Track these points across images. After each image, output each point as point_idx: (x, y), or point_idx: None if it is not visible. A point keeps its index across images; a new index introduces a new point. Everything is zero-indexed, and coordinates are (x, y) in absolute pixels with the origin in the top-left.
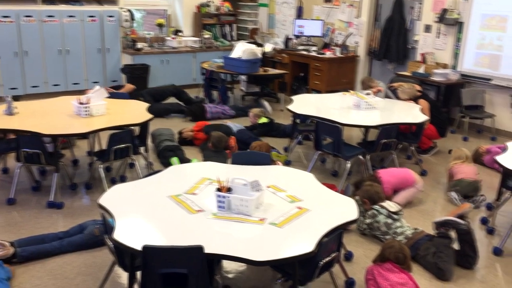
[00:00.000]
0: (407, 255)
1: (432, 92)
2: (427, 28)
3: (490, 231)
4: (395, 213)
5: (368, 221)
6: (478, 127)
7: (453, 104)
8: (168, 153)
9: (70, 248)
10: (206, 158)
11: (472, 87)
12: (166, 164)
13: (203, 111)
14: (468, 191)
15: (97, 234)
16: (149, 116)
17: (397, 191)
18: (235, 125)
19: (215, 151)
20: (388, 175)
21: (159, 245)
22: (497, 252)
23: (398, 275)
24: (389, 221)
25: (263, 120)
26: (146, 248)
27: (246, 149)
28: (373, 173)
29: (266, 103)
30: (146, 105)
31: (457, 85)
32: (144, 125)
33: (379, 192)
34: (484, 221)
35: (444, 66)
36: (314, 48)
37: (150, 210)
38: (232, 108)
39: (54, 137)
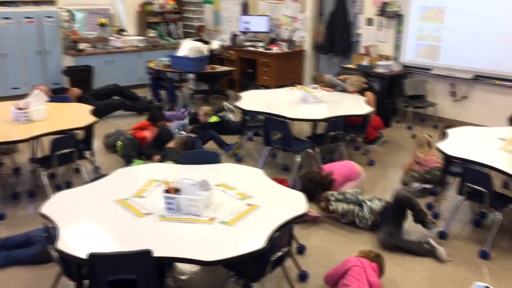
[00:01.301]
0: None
1: (377, 83)
2: (369, 21)
3: (435, 216)
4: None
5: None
6: (421, 116)
7: (396, 94)
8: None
9: (16, 264)
10: (170, 156)
11: (414, 77)
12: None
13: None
14: (437, 178)
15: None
16: (93, 119)
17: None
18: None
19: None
20: (335, 172)
21: (106, 252)
22: (443, 236)
23: (377, 278)
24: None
25: (214, 119)
26: (92, 256)
27: None
28: (319, 169)
29: (229, 105)
30: (90, 107)
31: (400, 76)
32: (88, 129)
33: (327, 177)
34: (429, 206)
35: (387, 58)
36: (261, 44)
37: (96, 216)
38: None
39: None
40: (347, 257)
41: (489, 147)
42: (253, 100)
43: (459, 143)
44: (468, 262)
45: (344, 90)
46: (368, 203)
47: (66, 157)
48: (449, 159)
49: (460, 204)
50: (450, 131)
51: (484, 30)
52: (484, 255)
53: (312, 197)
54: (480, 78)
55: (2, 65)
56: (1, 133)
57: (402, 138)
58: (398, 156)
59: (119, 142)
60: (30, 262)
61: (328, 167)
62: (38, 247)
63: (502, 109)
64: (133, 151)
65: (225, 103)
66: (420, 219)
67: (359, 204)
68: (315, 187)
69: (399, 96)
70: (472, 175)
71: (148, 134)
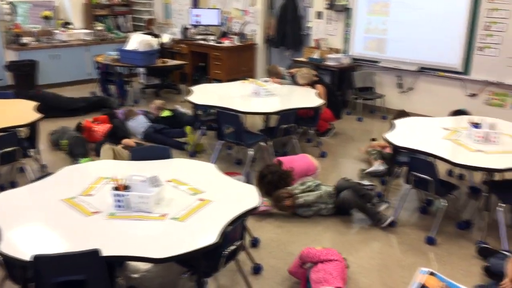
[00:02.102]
0: None
1: (327, 76)
2: (319, 15)
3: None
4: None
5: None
6: (370, 107)
7: (346, 87)
8: (81, 148)
9: None
10: None
11: (362, 70)
12: (76, 157)
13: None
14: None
15: None
16: (38, 115)
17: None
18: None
19: None
20: (295, 169)
21: (51, 253)
22: (392, 223)
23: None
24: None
25: (166, 113)
26: (37, 258)
27: None
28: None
29: (179, 107)
30: (34, 104)
31: (349, 69)
32: (33, 126)
33: (288, 173)
34: (379, 195)
35: (337, 51)
36: (212, 37)
37: (41, 216)
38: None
39: None
40: (328, 248)
41: (434, 137)
42: (205, 94)
43: (406, 134)
44: (415, 248)
45: (296, 83)
46: (324, 187)
47: (9, 156)
48: (396, 149)
49: (407, 193)
50: (397, 122)
51: (428, 23)
52: (430, 241)
53: (273, 190)
54: (424, 70)
55: None
56: None
57: (352, 130)
58: (349, 147)
59: (64, 141)
60: None
61: (287, 162)
62: None
63: (445, 100)
64: (81, 148)
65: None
66: (370, 215)
67: (318, 189)
68: (278, 180)
69: (348, 89)
70: (418, 164)
71: (98, 128)
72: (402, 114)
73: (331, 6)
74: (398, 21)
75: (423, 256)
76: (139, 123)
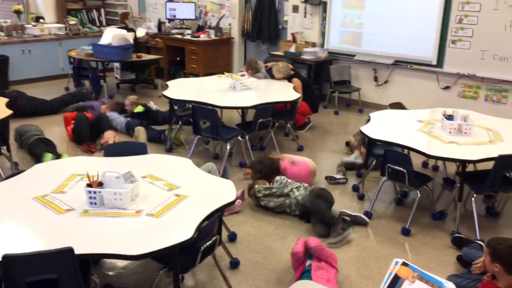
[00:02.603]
0: None
1: (304, 70)
2: (295, 9)
3: (361, 197)
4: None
5: (261, 194)
6: (347, 101)
7: (323, 80)
8: (40, 146)
9: None
10: None
11: (339, 63)
12: (39, 158)
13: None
14: None
15: None
16: (8, 112)
17: None
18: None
19: None
20: (296, 175)
21: (22, 252)
22: (367, 215)
23: None
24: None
25: (139, 109)
26: (6, 257)
27: None
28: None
29: (152, 103)
30: (5, 100)
31: (326, 62)
32: (3, 122)
33: (275, 162)
34: (355, 188)
35: (313, 44)
36: (188, 31)
37: (12, 215)
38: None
39: None
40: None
41: (408, 129)
42: (182, 88)
43: (381, 126)
44: (391, 239)
45: (273, 77)
46: (296, 192)
47: None
48: (371, 142)
49: (383, 185)
50: (373, 114)
51: (402, 17)
52: (405, 232)
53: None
54: (399, 63)
55: None
56: None
57: (329, 123)
58: (326, 141)
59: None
60: None
61: (291, 170)
62: None
63: (420, 93)
64: (42, 150)
65: (150, 102)
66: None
67: (287, 194)
68: (261, 169)
69: (325, 82)
70: (393, 157)
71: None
72: (398, 106)
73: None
74: (373, 15)
75: (399, 247)
76: (118, 117)
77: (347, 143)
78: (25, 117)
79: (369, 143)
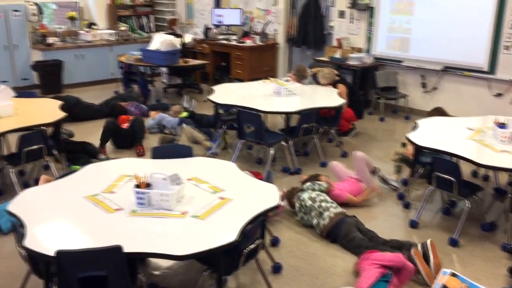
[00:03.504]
0: None
1: (349, 76)
2: (341, 14)
3: (407, 206)
4: (320, 185)
5: (297, 204)
6: (393, 107)
7: (369, 86)
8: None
9: None
10: None
11: (385, 69)
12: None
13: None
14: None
15: None
16: (62, 114)
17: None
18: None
19: None
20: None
21: (74, 249)
22: (414, 224)
23: None
24: (313, 194)
25: (183, 114)
26: (60, 253)
27: None
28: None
29: (186, 97)
30: (59, 103)
31: (372, 68)
32: (57, 125)
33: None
34: (400, 196)
35: (359, 50)
36: (234, 37)
37: (65, 213)
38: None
39: None
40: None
41: (458, 137)
42: (227, 93)
43: (429, 134)
44: (438, 249)
45: (318, 83)
46: (326, 213)
47: (34, 153)
48: (419, 149)
49: (430, 193)
50: (420, 121)
51: (453, 22)
52: (453, 243)
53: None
54: (449, 70)
55: None
56: None
57: (374, 130)
58: (371, 148)
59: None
60: None
61: (343, 192)
62: None
63: (470, 100)
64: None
65: (185, 96)
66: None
67: (320, 215)
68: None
69: (371, 88)
70: (441, 165)
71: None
72: (437, 112)
73: (354, 5)
74: (423, 20)
75: (446, 257)
76: (170, 120)
77: (403, 144)
78: (74, 121)
79: (416, 150)
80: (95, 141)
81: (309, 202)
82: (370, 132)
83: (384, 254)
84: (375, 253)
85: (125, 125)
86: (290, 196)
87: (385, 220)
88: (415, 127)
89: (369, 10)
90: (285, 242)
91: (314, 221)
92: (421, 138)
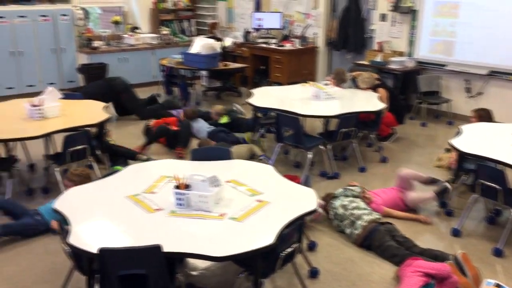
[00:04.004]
0: None
1: (390, 80)
2: (383, 17)
3: (449, 213)
4: (352, 190)
5: (331, 212)
6: (435, 112)
7: (410, 91)
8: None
9: (8, 232)
10: None
11: (428, 73)
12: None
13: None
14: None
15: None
16: (106, 115)
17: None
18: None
19: None
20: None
21: (116, 247)
22: (456, 233)
23: None
24: (345, 201)
25: (224, 120)
26: (103, 250)
27: None
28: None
29: (238, 106)
30: (103, 104)
31: (414, 72)
32: (101, 126)
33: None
34: (443, 204)
35: (401, 54)
36: (273, 40)
37: (107, 211)
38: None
39: (5, 142)
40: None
41: (504, 144)
42: (265, 96)
43: (473, 140)
44: (481, 259)
45: (357, 87)
46: (358, 223)
47: (78, 154)
48: (462, 156)
49: (473, 201)
50: (464, 127)
51: (499, 25)
52: (497, 253)
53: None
54: (495, 74)
55: (18, 63)
56: (16, 129)
57: (415, 135)
58: (411, 153)
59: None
60: (18, 232)
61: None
62: (28, 219)
63: None
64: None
65: (234, 104)
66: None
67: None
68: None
69: (412, 93)
70: (486, 172)
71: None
72: (484, 113)
73: (396, 8)
74: (468, 23)
75: (489, 268)
76: (202, 125)
77: (448, 150)
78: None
79: (460, 157)
80: (131, 142)
81: (341, 210)
82: (411, 138)
83: (429, 262)
84: (419, 260)
85: (174, 128)
86: (325, 202)
87: (426, 228)
88: (458, 133)
89: (412, 13)
90: (322, 247)
91: (347, 231)
92: (465, 144)
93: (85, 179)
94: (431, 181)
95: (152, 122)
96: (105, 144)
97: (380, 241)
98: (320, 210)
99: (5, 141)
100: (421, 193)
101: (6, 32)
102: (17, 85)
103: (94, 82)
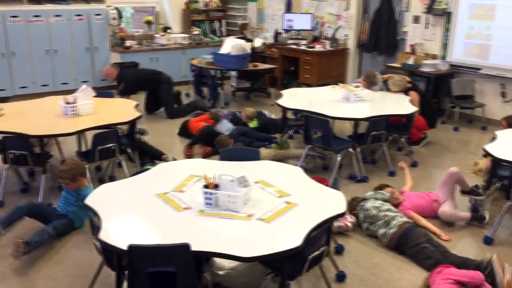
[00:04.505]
0: None
1: (422, 83)
2: (416, 19)
3: (481, 220)
4: (382, 194)
5: (361, 215)
6: (468, 117)
7: (443, 94)
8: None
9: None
10: None
11: (461, 77)
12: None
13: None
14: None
15: None
16: (137, 114)
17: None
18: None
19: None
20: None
21: (145, 244)
22: (488, 241)
23: None
24: (377, 203)
25: (254, 124)
26: (132, 247)
27: None
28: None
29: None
30: (134, 103)
31: (447, 76)
32: (132, 124)
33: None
34: (474, 210)
35: (433, 56)
36: (303, 42)
37: (137, 209)
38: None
39: (40, 138)
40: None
41: None
42: (295, 98)
43: (508, 146)
44: None
45: (388, 89)
46: (393, 223)
47: (107, 152)
48: (496, 162)
49: (507, 209)
50: (499, 133)
51: None
52: None
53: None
54: None
55: (53, 61)
56: (50, 126)
57: (447, 140)
58: (442, 158)
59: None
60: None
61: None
62: (63, 219)
63: None
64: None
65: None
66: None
67: (387, 222)
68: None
69: (445, 96)
70: None
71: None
72: None
73: (430, 10)
74: (504, 26)
75: None
76: (224, 127)
77: (485, 155)
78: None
79: (494, 163)
80: (161, 141)
81: (373, 212)
82: (443, 142)
83: (461, 270)
84: (450, 268)
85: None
86: (351, 208)
87: (457, 235)
88: (493, 139)
89: (446, 15)
90: (350, 250)
91: (381, 231)
92: (499, 150)
93: (76, 169)
94: (472, 192)
95: (191, 119)
96: (136, 143)
97: (416, 242)
98: (350, 224)
99: (40, 137)
100: (458, 211)
101: (42, 31)
102: (52, 82)
103: (139, 69)
